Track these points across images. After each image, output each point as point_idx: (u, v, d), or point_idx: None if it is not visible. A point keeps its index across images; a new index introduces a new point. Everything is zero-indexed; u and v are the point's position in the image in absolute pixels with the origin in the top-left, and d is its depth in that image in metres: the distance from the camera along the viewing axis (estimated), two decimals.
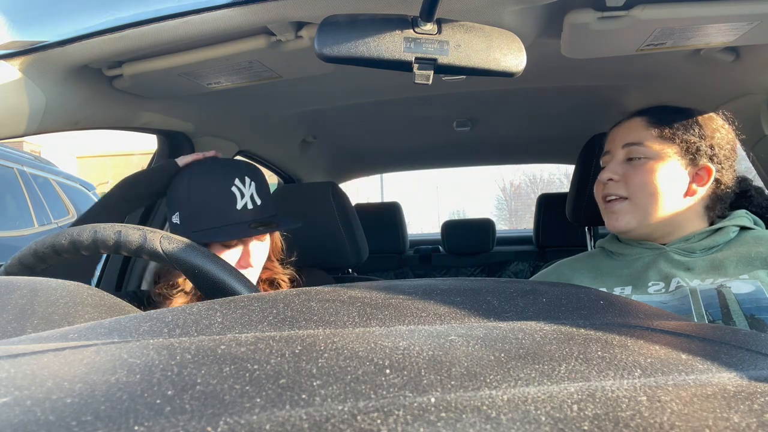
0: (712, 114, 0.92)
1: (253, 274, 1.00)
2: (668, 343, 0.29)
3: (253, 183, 0.98)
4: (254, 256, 0.99)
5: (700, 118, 0.90)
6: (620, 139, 0.91)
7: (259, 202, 0.97)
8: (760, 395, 0.22)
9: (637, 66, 1.19)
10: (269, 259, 1.07)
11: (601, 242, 1.00)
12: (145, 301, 0.98)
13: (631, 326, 0.33)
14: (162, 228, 1.36)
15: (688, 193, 0.86)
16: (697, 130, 0.87)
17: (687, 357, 0.27)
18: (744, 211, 0.89)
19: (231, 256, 0.97)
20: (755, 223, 0.87)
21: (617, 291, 0.86)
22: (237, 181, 0.95)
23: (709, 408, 0.20)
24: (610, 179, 0.89)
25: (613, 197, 0.89)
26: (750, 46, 0.96)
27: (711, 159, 0.86)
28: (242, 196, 0.96)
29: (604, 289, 0.86)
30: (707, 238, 0.84)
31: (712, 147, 0.87)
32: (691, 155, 0.86)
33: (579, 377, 0.23)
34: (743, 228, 0.85)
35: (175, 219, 0.94)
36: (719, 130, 0.89)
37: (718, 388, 0.23)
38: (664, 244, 0.87)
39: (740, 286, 0.75)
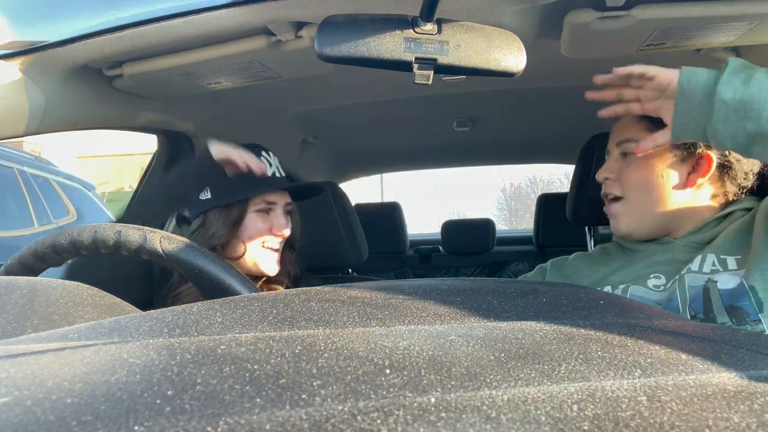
0: None
1: (275, 253, 1.02)
2: (668, 343, 0.29)
3: (275, 157, 1.04)
4: (287, 225, 1.02)
5: None
6: (615, 137, 0.90)
7: (284, 174, 1.03)
8: (760, 395, 0.22)
9: None
10: (290, 248, 1.09)
11: (617, 236, 0.99)
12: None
13: (631, 326, 0.33)
14: (162, 228, 1.36)
15: (689, 184, 0.82)
16: None
17: (687, 357, 0.27)
18: (753, 197, 0.85)
19: (265, 221, 1.00)
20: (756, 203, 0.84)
21: (616, 281, 0.86)
22: (263, 152, 1.01)
23: (709, 408, 0.20)
24: (606, 178, 0.88)
25: (609, 197, 0.88)
26: (750, 46, 0.96)
27: (710, 146, 0.82)
28: (270, 165, 1.01)
29: (609, 288, 0.87)
30: (716, 227, 0.82)
31: None
32: (686, 146, 0.82)
33: (579, 377, 0.23)
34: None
35: (205, 195, 0.96)
36: None
37: (718, 388, 0.23)
38: (675, 238, 0.85)
39: (728, 280, 0.75)
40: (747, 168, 0.84)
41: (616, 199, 0.87)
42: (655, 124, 0.83)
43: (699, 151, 0.82)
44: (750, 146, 0.67)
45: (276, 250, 1.02)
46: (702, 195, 0.83)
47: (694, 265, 0.79)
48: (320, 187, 1.15)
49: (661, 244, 0.87)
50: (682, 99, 0.70)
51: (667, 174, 0.83)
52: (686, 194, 0.83)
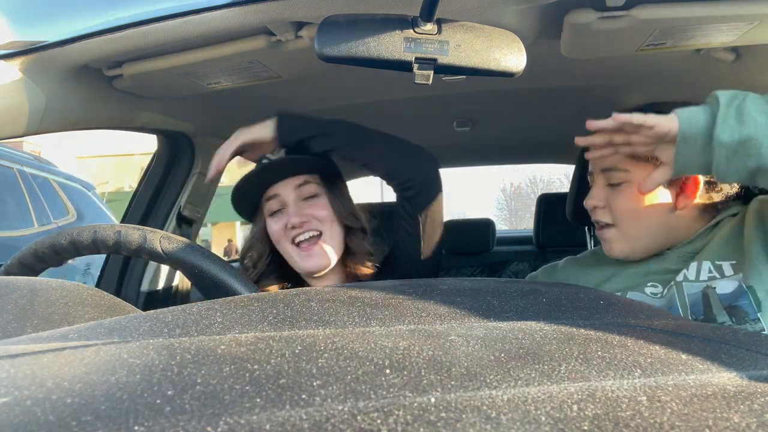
0: None
1: (310, 247, 0.92)
2: (668, 343, 0.29)
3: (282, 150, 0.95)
4: (298, 213, 0.92)
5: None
6: (598, 164, 0.87)
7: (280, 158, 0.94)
8: (760, 395, 0.22)
9: (637, 66, 1.19)
10: (347, 228, 0.97)
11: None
12: None
13: (631, 326, 0.33)
14: (163, 227, 1.36)
15: (678, 206, 0.82)
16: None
17: (687, 357, 0.27)
18: (738, 202, 0.86)
19: (279, 220, 0.94)
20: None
21: (609, 289, 0.86)
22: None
23: (709, 408, 0.20)
24: (595, 206, 0.87)
25: (601, 224, 0.87)
26: (750, 46, 0.96)
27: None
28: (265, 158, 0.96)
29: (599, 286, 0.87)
30: (707, 236, 0.83)
31: None
32: None
33: (579, 377, 0.23)
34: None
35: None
36: None
37: (718, 388, 0.23)
38: (668, 249, 0.85)
39: (726, 285, 0.76)
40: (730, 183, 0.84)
41: (608, 225, 0.86)
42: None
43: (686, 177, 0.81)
44: (754, 178, 0.68)
45: (310, 242, 0.92)
46: (692, 211, 0.83)
47: (690, 274, 0.79)
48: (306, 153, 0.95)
49: (654, 255, 0.87)
50: (684, 143, 0.69)
51: (657, 200, 0.82)
52: (676, 216, 0.83)
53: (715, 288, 0.76)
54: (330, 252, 0.94)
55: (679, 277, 0.80)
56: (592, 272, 0.93)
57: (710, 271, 0.78)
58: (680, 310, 0.77)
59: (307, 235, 0.92)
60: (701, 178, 0.81)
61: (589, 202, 0.88)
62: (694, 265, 0.80)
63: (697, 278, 0.78)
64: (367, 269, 0.97)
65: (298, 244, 0.93)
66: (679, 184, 0.82)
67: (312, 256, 0.92)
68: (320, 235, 0.93)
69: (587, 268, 0.95)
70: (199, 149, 1.39)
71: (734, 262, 0.77)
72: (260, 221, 0.97)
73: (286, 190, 0.93)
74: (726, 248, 0.78)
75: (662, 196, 0.82)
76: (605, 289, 0.87)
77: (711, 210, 0.85)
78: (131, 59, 0.92)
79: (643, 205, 0.82)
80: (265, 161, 0.94)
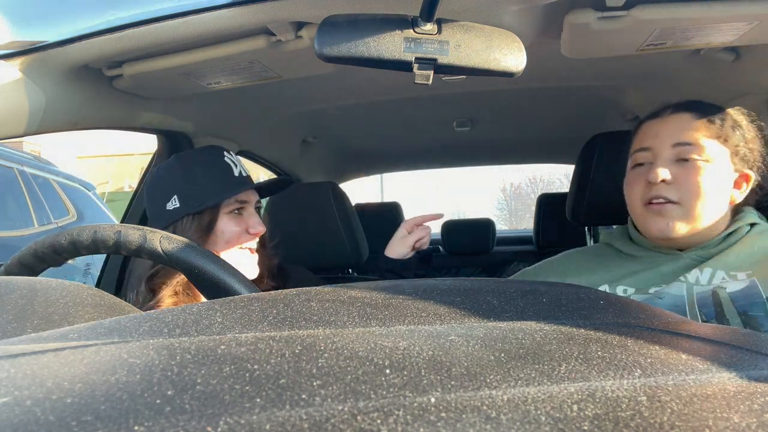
0: (742, 115, 0.87)
1: (254, 254, 1.01)
2: (668, 343, 0.29)
3: (238, 157, 1.02)
4: (262, 223, 1.00)
5: (738, 119, 0.85)
6: (668, 137, 0.83)
7: (247, 174, 1.01)
8: (760, 395, 0.22)
9: (637, 66, 1.19)
10: (263, 245, 1.06)
11: (609, 238, 0.97)
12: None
13: (631, 326, 0.33)
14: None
15: (731, 200, 0.82)
16: (740, 133, 0.83)
17: (687, 357, 0.27)
18: (750, 207, 0.86)
19: (239, 223, 0.97)
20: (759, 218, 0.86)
21: (620, 291, 0.85)
22: (226, 153, 0.99)
23: (709, 408, 0.20)
24: (664, 180, 0.81)
25: (662, 200, 0.81)
26: (750, 46, 0.96)
27: (751, 166, 0.83)
28: (236, 165, 0.99)
29: (606, 287, 0.86)
30: (723, 243, 0.82)
31: (752, 151, 0.83)
32: (740, 159, 0.82)
33: (579, 377, 0.23)
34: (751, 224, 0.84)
35: (172, 204, 0.94)
36: (754, 132, 0.85)
37: (718, 388, 0.23)
38: (681, 250, 0.84)
39: (735, 285, 0.75)
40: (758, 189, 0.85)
41: (671, 202, 0.82)
42: (713, 122, 0.82)
43: (745, 168, 0.82)
44: None
45: (254, 251, 1.00)
46: (729, 211, 0.83)
47: (703, 278, 0.79)
48: (289, 180, 1.12)
49: (666, 254, 0.86)
50: None
51: (724, 186, 0.81)
52: (726, 207, 0.82)
53: (725, 288, 0.75)
54: None
55: (691, 279, 0.79)
56: (596, 269, 0.92)
57: (723, 279, 0.77)
58: (687, 309, 0.76)
59: (255, 245, 1.02)
60: (752, 177, 0.81)
61: (659, 174, 0.80)
62: (708, 271, 0.79)
63: (709, 283, 0.78)
64: (261, 284, 1.06)
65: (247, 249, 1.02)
66: (737, 176, 0.82)
67: (256, 263, 1.02)
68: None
69: (587, 262, 0.94)
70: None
71: (749, 272, 0.77)
72: (210, 216, 0.99)
73: (253, 201, 1.03)
74: (744, 262, 0.78)
75: (729, 183, 0.81)
76: (616, 291, 0.86)
77: (733, 217, 0.85)
78: (131, 59, 0.92)
79: (715, 188, 0.80)
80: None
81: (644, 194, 0.84)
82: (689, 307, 0.77)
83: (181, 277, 0.91)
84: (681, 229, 0.81)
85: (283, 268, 1.12)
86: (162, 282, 0.92)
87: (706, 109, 0.84)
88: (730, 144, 0.81)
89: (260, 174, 3.59)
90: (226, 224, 0.96)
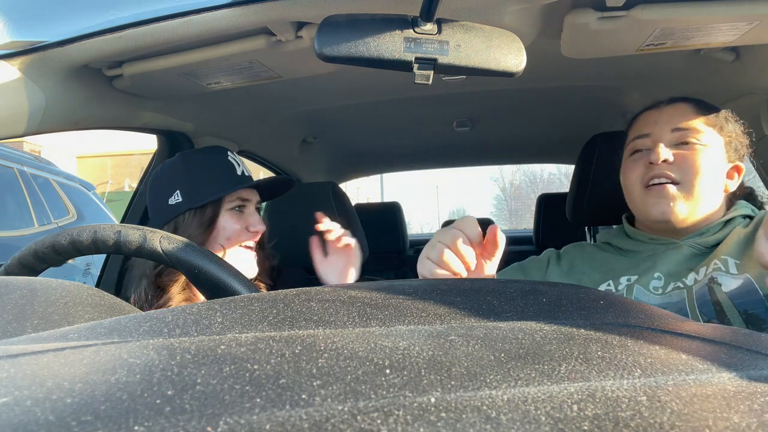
0: (730, 114, 0.91)
1: (253, 252, 1.02)
2: (668, 343, 0.29)
3: (241, 157, 1.04)
4: (262, 222, 1.02)
5: (728, 115, 0.89)
6: (668, 123, 0.87)
7: (251, 174, 1.03)
8: (760, 395, 0.22)
9: (637, 66, 1.19)
10: (261, 246, 1.08)
11: (606, 237, 0.98)
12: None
13: (631, 326, 0.33)
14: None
15: (725, 188, 0.86)
16: (732, 127, 0.88)
17: (687, 357, 0.27)
18: (744, 201, 0.89)
19: (240, 220, 0.99)
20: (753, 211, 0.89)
21: (623, 282, 0.86)
22: (229, 153, 1.01)
23: (709, 408, 0.20)
24: (665, 160, 0.83)
25: (663, 180, 0.84)
26: (750, 46, 0.96)
27: (741, 158, 0.88)
28: (239, 165, 1.01)
29: (610, 284, 0.87)
30: (719, 232, 0.84)
31: (742, 145, 0.88)
32: (733, 150, 0.87)
33: (579, 377, 0.23)
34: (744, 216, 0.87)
35: (174, 199, 0.95)
36: (741, 130, 0.90)
37: (718, 388, 0.23)
38: (679, 240, 0.86)
39: (730, 282, 0.76)
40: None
41: (672, 182, 0.84)
42: (708, 112, 0.86)
43: (736, 158, 0.87)
44: None
45: (253, 249, 1.01)
46: (722, 200, 0.87)
47: (699, 275, 0.80)
48: (291, 181, 1.13)
49: (665, 243, 0.87)
50: None
51: (719, 172, 0.85)
52: (720, 197, 0.86)
53: (721, 285, 0.76)
54: None
55: (689, 281, 0.80)
56: (601, 265, 0.92)
57: (715, 264, 0.79)
58: (689, 312, 0.77)
59: (254, 244, 1.04)
60: (743, 168, 0.86)
61: (660, 154, 0.83)
62: (703, 270, 0.81)
63: (705, 276, 0.79)
64: (261, 284, 1.09)
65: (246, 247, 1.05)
66: (730, 166, 0.87)
67: (255, 262, 1.03)
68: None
69: (586, 263, 0.94)
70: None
71: (738, 262, 0.78)
72: (212, 211, 1.01)
73: (254, 200, 1.06)
74: (736, 250, 0.80)
75: (722, 171, 0.85)
76: (620, 281, 0.87)
77: (728, 204, 0.89)
78: (131, 59, 0.92)
79: (711, 168, 0.83)
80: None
81: (644, 176, 0.86)
82: (690, 310, 0.77)
83: None
84: (681, 210, 0.83)
85: (281, 269, 1.14)
86: (169, 279, 0.92)
87: (701, 103, 0.89)
88: (725, 133, 0.86)
89: (260, 174, 3.59)
90: (227, 221, 0.97)
